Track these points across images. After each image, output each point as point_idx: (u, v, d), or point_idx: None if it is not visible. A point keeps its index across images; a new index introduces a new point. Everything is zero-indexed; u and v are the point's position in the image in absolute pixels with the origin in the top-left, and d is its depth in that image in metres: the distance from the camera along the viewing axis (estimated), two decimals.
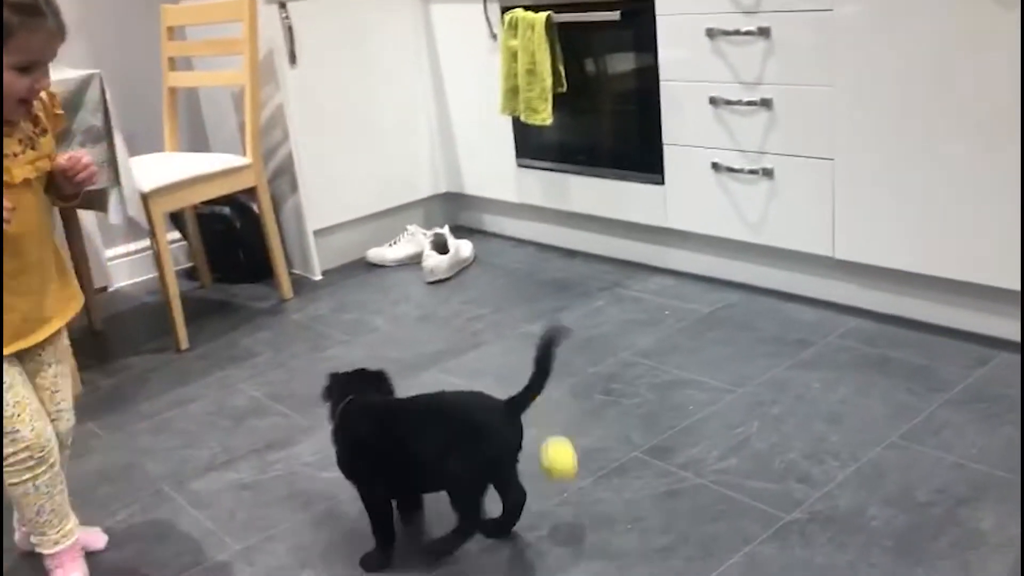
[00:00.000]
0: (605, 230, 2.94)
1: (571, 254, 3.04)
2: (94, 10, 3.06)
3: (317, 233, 3.08)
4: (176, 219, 3.17)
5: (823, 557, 1.51)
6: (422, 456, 1.55)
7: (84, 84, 2.24)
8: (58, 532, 1.61)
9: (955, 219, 2.07)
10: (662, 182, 2.64)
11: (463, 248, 3.05)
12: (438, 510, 1.68)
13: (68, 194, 1.58)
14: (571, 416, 2.03)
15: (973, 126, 1.99)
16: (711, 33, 2.37)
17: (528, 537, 1.64)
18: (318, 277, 3.09)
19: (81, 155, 1.54)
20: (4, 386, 1.49)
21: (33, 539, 1.63)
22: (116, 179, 2.32)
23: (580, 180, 2.88)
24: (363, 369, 1.72)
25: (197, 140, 3.34)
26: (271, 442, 2.07)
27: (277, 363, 2.48)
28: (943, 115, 2.02)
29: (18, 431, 1.50)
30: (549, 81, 2.69)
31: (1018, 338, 2.09)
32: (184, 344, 2.63)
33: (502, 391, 1.57)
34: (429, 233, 3.07)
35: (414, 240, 3.13)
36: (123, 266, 3.28)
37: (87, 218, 3.04)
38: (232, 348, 2.61)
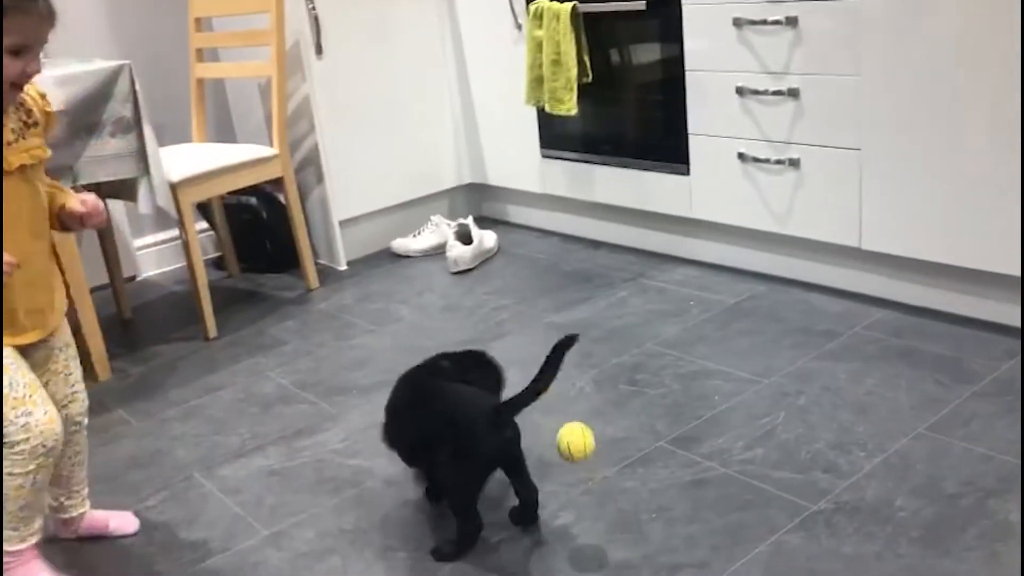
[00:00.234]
0: (630, 221, 2.94)
1: (595, 245, 3.04)
2: (124, 2, 3.09)
3: (342, 223, 3.09)
4: (203, 209, 3.19)
5: (850, 547, 1.50)
6: (417, 442, 1.62)
7: (114, 75, 2.26)
8: (31, 529, 1.55)
9: (983, 210, 2.06)
10: (687, 172, 2.64)
11: (487, 239, 3.06)
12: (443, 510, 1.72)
13: (72, 230, 1.61)
14: (595, 406, 2.03)
15: (1001, 116, 1.97)
16: (737, 22, 2.36)
17: (552, 525, 1.64)
18: (343, 267, 3.11)
19: (96, 202, 1.55)
20: (12, 369, 1.47)
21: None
22: (146, 169, 2.34)
23: (605, 171, 2.88)
24: (473, 351, 1.75)
25: (224, 131, 3.37)
26: (299, 429, 2.09)
27: (304, 351, 2.50)
28: (971, 105, 2.01)
29: (31, 413, 1.46)
30: (574, 71, 2.69)
31: None
32: (212, 332, 2.66)
33: (525, 381, 1.57)
34: (453, 224, 3.08)
35: (438, 231, 3.14)
36: (151, 255, 3.31)
37: (116, 208, 3.08)
38: (259, 337, 2.64)
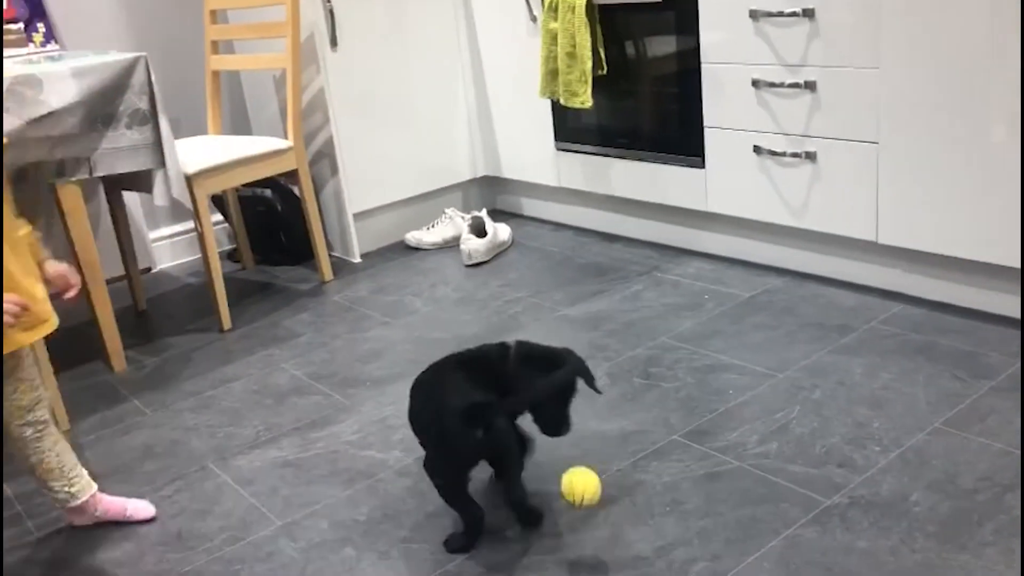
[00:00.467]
0: (644, 214, 2.93)
1: (610, 238, 3.04)
2: None
3: (357, 216, 3.10)
4: (218, 201, 3.20)
5: (865, 542, 1.50)
6: (416, 431, 1.64)
7: (130, 67, 2.27)
8: (83, 478, 1.75)
9: (1002, 204, 2.04)
10: (703, 165, 2.63)
11: (501, 231, 3.06)
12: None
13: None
14: (609, 399, 2.03)
15: (1021, 110, 1.95)
16: (754, 14, 2.35)
17: (566, 518, 1.64)
18: (357, 259, 3.11)
19: (70, 276, 1.64)
20: (27, 361, 1.61)
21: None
22: (161, 161, 2.35)
23: (619, 164, 2.87)
24: (555, 350, 1.66)
25: (239, 123, 3.38)
26: (313, 420, 2.10)
27: (318, 343, 2.51)
28: (991, 98, 1.99)
29: (38, 388, 1.65)
30: (589, 64, 2.68)
31: None
32: (227, 324, 2.67)
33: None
34: (467, 216, 3.08)
35: (452, 223, 3.14)
36: (166, 247, 3.33)
37: (131, 200, 3.09)
38: (274, 328, 2.64)
